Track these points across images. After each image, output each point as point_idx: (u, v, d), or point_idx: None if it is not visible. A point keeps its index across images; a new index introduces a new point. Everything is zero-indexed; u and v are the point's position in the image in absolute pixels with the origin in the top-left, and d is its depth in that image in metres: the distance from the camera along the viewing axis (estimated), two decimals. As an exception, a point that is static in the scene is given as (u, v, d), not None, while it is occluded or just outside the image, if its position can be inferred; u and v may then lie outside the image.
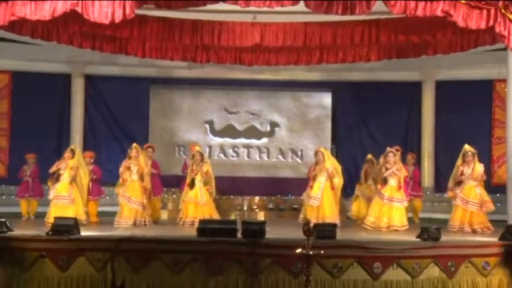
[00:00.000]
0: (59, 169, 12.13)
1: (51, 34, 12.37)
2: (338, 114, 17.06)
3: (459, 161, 11.80)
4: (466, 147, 11.82)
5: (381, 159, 12.33)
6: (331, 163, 12.44)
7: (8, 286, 9.01)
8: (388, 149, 12.20)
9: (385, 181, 12.00)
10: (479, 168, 11.66)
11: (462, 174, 11.67)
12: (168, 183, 15.29)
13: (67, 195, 11.93)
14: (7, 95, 16.11)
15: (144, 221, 12.05)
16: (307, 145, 16.65)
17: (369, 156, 13.73)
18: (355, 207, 13.62)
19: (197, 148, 12.89)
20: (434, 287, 9.18)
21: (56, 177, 12.15)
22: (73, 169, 12.09)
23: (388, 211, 11.84)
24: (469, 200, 11.54)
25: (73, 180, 12.11)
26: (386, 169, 11.98)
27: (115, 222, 11.93)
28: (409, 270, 9.08)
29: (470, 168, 11.63)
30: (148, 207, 12.43)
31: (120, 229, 11.30)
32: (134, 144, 12.41)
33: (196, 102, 16.89)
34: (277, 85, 17.00)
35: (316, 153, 12.72)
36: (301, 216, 12.63)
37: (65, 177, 12.05)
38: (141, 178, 12.13)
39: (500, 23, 10.16)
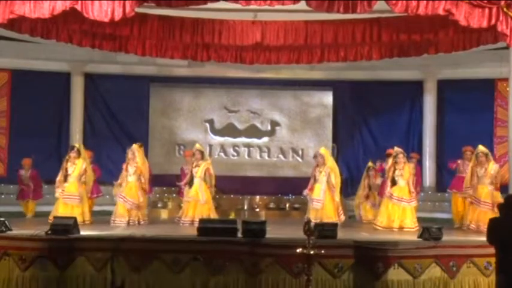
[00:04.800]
0: (66, 169, 12.12)
1: (51, 32, 12.33)
2: (339, 113, 17.00)
3: (472, 162, 11.90)
4: (479, 148, 11.92)
5: (389, 160, 12.35)
6: (329, 164, 12.45)
7: (8, 286, 8.99)
8: (397, 149, 12.18)
9: (393, 182, 11.99)
10: (492, 168, 11.68)
11: (475, 174, 11.75)
12: (168, 182, 15.28)
13: (77, 195, 11.97)
14: (6, 94, 16.05)
15: (138, 221, 12.09)
16: (308, 144, 16.59)
17: (370, 163, 13.78)
18: (366, 212, 13.57)
19: (197, 146, 12.85)
20: (436, 287, 9.15)
21: (64, 176, 12.12)
22: (82, 168, 12.13)
23: (398, 211, 11.86)
24: (481, 200, 11.59)
25: (81, 179, 12.15)
26: (395, 170, 11.98)
27: (111, 221, 12.00)
28: (410, 270, 9.03)
29: (484, 169, 11.69)
30: (145, 206, 12.47)
31: (119, 228, 11.29)
32: (133, 146, 12.43)
33: (197, 101, 16.83)
34: (278, 84, 16.95)
35: (315, 156, 12.71)
36: (306, 216, 12.63)
37: (74, 176, 12.06)
38: (139, 178, 12.18)
39: (502, 22, 10.17)
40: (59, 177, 12.16)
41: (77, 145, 12.92)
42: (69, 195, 11.94)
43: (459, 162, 12.86)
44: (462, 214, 12.49)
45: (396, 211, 11.85)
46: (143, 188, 12.27)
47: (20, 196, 13.86)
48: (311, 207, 12.45)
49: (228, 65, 14.66)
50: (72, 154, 12.24)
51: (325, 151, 12.73)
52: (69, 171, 12.09)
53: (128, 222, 11.93)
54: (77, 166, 12.12)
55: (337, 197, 12.41)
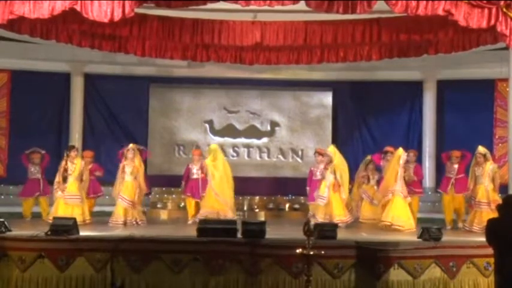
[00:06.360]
0: (66, 169, 12.15)
1: (50, 32, 12.35)
2: (339, 113, 16.99)
3: (473, 162, 12.01)
4: (478, 148, 12.01)
5: (390, 158, 12.52)
6: (335, 162, 12.48)
7: (8, 286, 8.98)
8: (402, 151, 12.26)
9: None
10: (489, 168, 11.71)
11: (474, 175, 11.88)
12: (168, 182, 15.28)
13: (78, 195, 12.06)
14: (6, 94, 16.01)
15: (136, 221, 12.17)
16: (308, 145, 16.57)
17: (369, 157, 13.80)
18: (365, 210, 13.54)
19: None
20: (436, 287, 9.16)
21: (64, 177, 12.14)
22: (82, 167, 12.25)
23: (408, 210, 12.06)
24: (476, 200, 11.74)
25: (81, 179, 12.25)
26: (405, 170, 12.16)
27: (109, 222, 12.07)
28: (410, 270, 9.05)
29: (481, 169, 11.77)
30: (140, 203, 12.60)
31: (119, 229, 11.30)
32: (131, 145, 12.51)
33: (196, 102, 16.81)
34: (277, 84, 16.93)
35: (324, 154, 12.85)
36: (310, 213, 12.75)
37: (75, 176, 12.11)
38: (136, 178, 12.31)
39: (501, 22, 10.19)
40: (58, 178, 12.17)
41: (75, 145, 12.95)
42: (71, 195, 11.99)
43: (448, 164, 12.95)
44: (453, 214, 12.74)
45: (407, 210, 12.01)
46: (140, 187, 12.39)
47: (26, 192, 13.36)
48: (317, 204, 12.54)
49: (227, 65, 14.66)
50: (73, 153, 12.30)
51: (333, 149, 12.72)
52: (69, 171, 12.11)
53: (125, 223, 12.00)
54: (77, 166, 12.17)
55: (344, 195, 12.34)
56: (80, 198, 12.04)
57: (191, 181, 13.20)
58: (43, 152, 13.50)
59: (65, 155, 12.44)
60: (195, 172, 13.16)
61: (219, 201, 12.58)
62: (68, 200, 11.95)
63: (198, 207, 12.94)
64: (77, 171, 12.14)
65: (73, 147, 12.71)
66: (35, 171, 13.39)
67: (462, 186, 12.49)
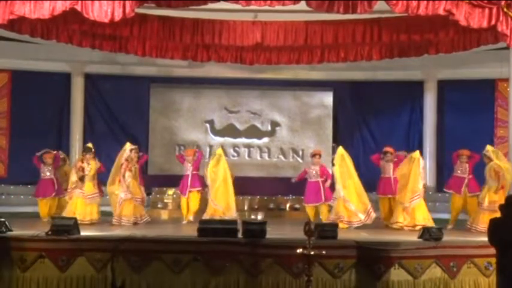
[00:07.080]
0: (83, 169, 12.38)
1: (51, 33, 12.36)
2: (339, 113, 16.98)
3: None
4: (487, 147, 12.00)
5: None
6: (336, 162, 12.51)
7: (8, 286, 8.99)
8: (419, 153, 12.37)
9: None
10: (488, 167, 11.69)
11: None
12: (168, 182, 15.27)
13: (96, 193, 12.41)
14: (7, 94, 16.02)
15: (142, 218, 12.42)
16: (308, 144, 16.55)
17: None
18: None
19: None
20: (436, 287, 9.16)
21: (81, 176, 12.36)
22: (96, 168, 12.53)
23: None
24: (478, 201, 11.73)
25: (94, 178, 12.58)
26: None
27: (114, 220, 12.09)
28: (410, 270, 9.05)
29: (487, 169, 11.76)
30: (144, 200, 12.97)
31: (120, 229, 11.31)
32: (132, 146, 12.63)
33: (197, 102, 16.80)
34: (278, 84, 16.93)
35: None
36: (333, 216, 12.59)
37: (91, 176, 12.41)
38: (135, 177, 12.55)
39: (502, 22, 10.19)
40: (74, 178, 12.32)
41: (90, 145, 13.07)
42: (92, 194, 12.31)
43: (457, 164, 12.89)
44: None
45: None
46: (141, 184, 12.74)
47: (41, 192, 13.17)
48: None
49: (228, 65, 14.67)
50: (88, 155, 12.54)
51: (342, 151, 12.65)
52: (86, 172, 12.38)
53: (135, 222, 12.20)
54: (92, 166, 12.45)
55: (341, 193, 12.17)
56: (98, 196, 12.43)
57: (184, 176, 13.22)
58: (54, 152, 13.52)
59: (81, 155, 12.79)
60: (188, 168, 13.15)
61: (217, 209, 12.57)
62: (91, 200, 12.26)
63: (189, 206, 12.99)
64: (93, 172, 12.42)
65: (90, 149, 12.78)
66: (47, 171, 13.27)
67: (474, 187, 12.43)
